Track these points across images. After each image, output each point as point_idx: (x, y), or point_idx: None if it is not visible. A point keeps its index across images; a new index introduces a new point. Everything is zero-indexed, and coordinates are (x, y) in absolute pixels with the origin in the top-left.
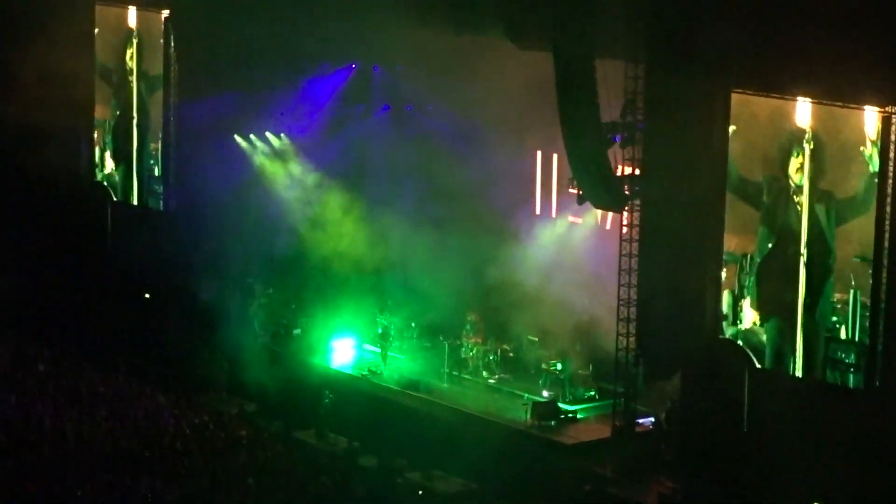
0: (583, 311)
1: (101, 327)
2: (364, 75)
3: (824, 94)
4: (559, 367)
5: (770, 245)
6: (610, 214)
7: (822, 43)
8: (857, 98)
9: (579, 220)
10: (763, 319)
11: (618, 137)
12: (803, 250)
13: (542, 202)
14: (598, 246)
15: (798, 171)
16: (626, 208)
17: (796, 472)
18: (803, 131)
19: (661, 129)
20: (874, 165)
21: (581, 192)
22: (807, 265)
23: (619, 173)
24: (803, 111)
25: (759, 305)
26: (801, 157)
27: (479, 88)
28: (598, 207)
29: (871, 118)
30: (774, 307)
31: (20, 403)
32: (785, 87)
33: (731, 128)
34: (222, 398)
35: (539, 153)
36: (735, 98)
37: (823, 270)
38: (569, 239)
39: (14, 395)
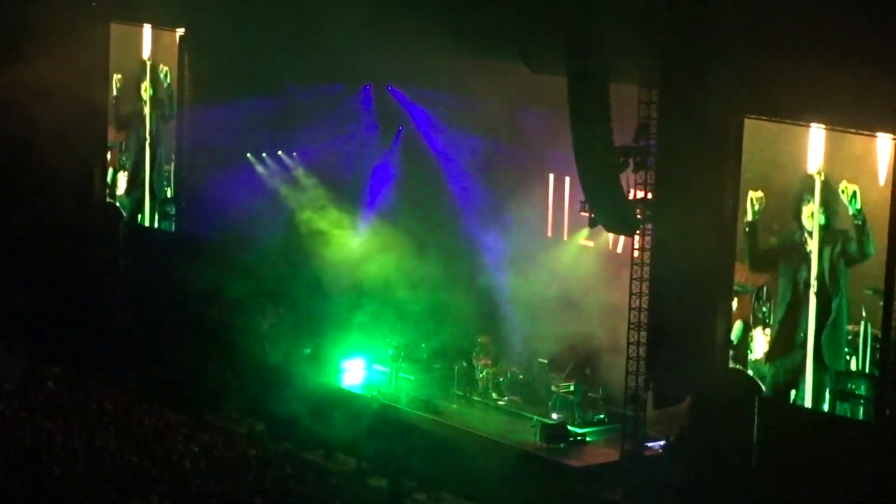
0: (593, 334)
1: (112, 346)
2: (377, 96)
3: (837, 121)
4: (570, 388)
5: (790, 296)
6: (621, 238)
7: (836, 69)
8: (870, 125)
9: (591, 244)
10: (774, 350)
11: (631, 162)
12: (813, 282)
13: (553, 225)
14: (609, 269)
15: (809, 217)
16: (638, 232)
17: (803, 502)
18: (813, 177)
19: (674, 154)
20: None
21: (593, 216)
22: (818, 297)
23: (631, 197)
24: (816, 154)
25: (772, 338)
26: (811, 203)
27: (491, 110)
28: (609, 231)
29: (884, 147)
30: (786, 339)
31: (30, 420)
32: (798, 114)
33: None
34: (232, 417)
35: (551, 176)
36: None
37: (837, 304)
38: (580, 262)
39: (24, 412)
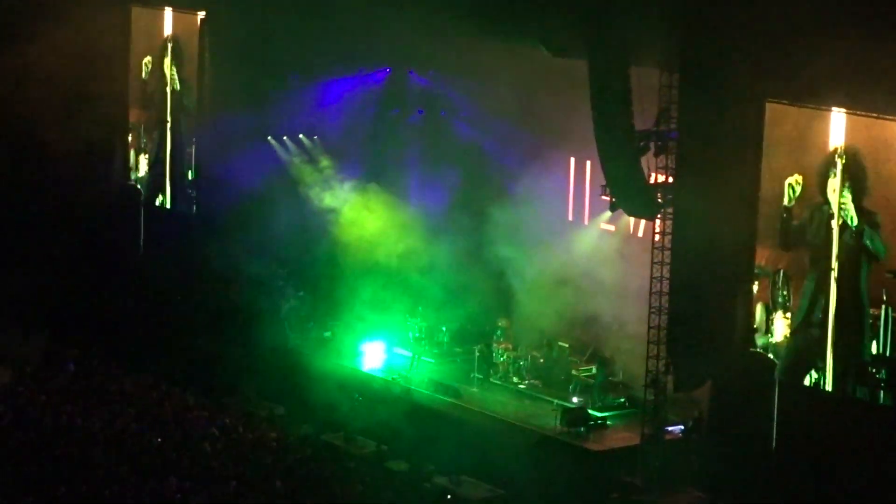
0: (614, 318)
1: (132, 328)
2: (399, 80)
3: (859, 105)
4: (591, 372)
5: (813, 277)
6: (642, 222)
7: (858, 53)
8: (892, 109)
9: (612, 228)
10: (795, 332)
11: (652, 146)
12: (834, 264)
13: (574, 208)
14: (630, 253)
15: (835, 191)
16: (659, 216)
17: (824, 486)
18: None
19: (695, 139)
20: None
21: (614, 200)
22: (839, 278)
23: (652, 181)
24: (838, 131)
25: (792, 320)
26: (836, 177)
27: (512, 93)
28: (630, 215)
29: None
30: (807, 320)
31: (50, 403)
32: (819, 98)
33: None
34: (251, 400)
35: (572, 159)
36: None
37: (859, 286)
38: (601, 246)
39: (44, 395)
